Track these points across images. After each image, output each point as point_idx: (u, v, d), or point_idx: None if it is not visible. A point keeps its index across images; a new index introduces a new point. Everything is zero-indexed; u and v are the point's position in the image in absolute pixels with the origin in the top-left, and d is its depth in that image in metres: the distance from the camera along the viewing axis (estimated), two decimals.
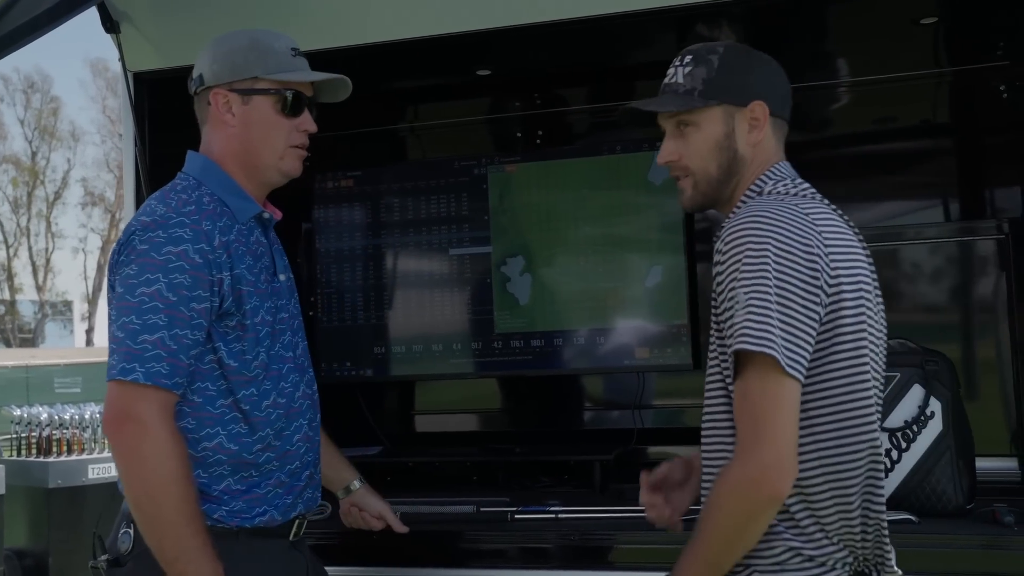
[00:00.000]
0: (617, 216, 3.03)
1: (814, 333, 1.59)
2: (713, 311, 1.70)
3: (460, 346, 3.14)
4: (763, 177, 1.75)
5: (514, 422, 3.38)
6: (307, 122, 2.01)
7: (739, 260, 1.59)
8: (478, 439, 3.35)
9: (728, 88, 1.74)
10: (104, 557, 1.94)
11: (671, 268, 2.97)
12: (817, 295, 1.59)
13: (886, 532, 1.66)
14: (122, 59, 2.66)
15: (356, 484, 2.36)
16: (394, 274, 3.23)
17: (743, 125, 1.74)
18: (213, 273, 1.85)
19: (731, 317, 1.59)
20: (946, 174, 3.08)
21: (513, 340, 3.09)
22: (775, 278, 1.57)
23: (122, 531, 1.91)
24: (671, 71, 1.80)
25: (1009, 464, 2.59)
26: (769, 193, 1.74)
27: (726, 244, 1.63)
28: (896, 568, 1.69)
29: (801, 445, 1.60)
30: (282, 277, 2.04)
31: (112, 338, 1.83)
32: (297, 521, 2.02)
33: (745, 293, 1.56)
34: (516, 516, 2.48)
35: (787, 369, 1.54)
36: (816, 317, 1.59)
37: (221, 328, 1.88)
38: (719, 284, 1.64)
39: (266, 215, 2.02)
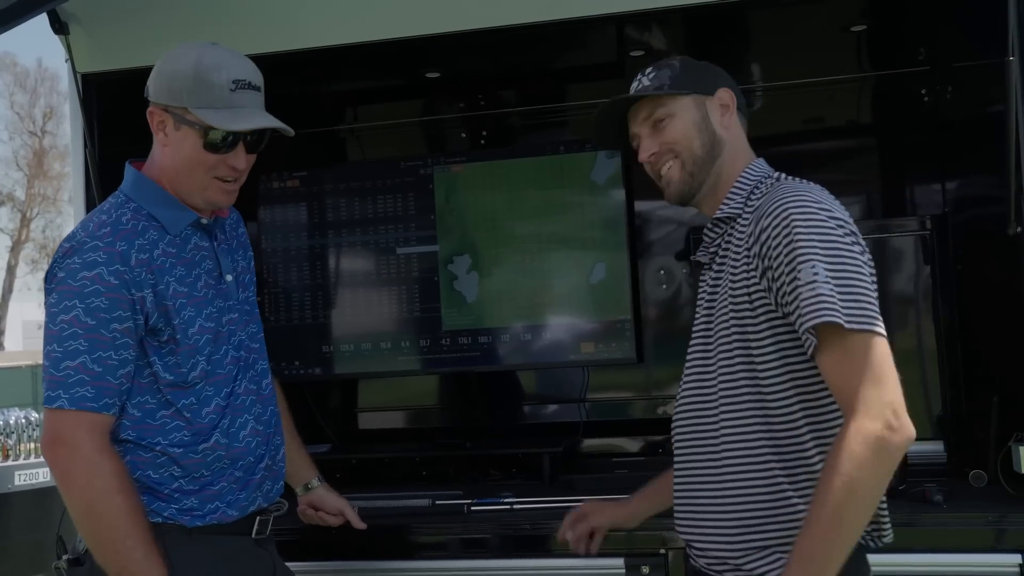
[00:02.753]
0: (561, 214, 3.11)
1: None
2: (741, 291, 1.74)
3: (408, 344, 3.19)
4: (747, 172, 1.87)
5: (463, 418, 3.44)
6: (236, 158, 1.95)
7: (802, 234, 1.65)
8: (427, 435, 3.40)
9: (693, 82, 1.90)
10: (66, 557, 1.97)
11: (614, 265, 3.06)
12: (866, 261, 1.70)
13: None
14: (71, 60, 2.65)
15: (315, 482, 2.40)
16: (341, 273, 3.26)
17: (715, 111, 1.89)
18: (132, 292, 1.86)
19: (796, 290, 1.63)
20: (870, 173, 3.24)
21: (461, 337, 3.15)
22: (846, 249, 1.65)
23: None
24: (634, 84, 1.94)
25: (936, 447, 2.74)
26: (760, 183, 1.84)
27: (777, 219, 1.68)
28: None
29: None
30: (228, 278, 2.04)
31: (42, 367, 1.86)
32: (259, 518, 2.04)
33: (825, 267, 1.62)
34: (472, 508, 2.55)
35: (880, 333, 1.62)
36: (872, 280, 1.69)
37: (154, 343, 1.91)
38: (769, 258, 1.68)
39: (204, 221, 2.01)
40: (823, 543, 1.58)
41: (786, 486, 1.70)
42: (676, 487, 1.88)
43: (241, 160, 1.97)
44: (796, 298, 1.63)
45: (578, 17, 2.57)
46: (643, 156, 1.93)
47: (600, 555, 2.33)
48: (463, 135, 3.39)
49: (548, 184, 3.12)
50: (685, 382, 1.88)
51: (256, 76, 1.96)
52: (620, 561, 2.33)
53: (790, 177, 1.84)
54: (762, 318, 1.72)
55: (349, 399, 3.53)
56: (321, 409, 3.35)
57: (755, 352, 1.73)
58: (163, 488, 1.91)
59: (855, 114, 3.27)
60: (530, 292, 3.12)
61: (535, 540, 2.43)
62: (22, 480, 6.15)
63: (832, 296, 1.60)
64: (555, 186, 3.11)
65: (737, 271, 1.77)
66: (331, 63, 2.86)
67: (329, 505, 2.39)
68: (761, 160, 1.91)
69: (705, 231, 1.89)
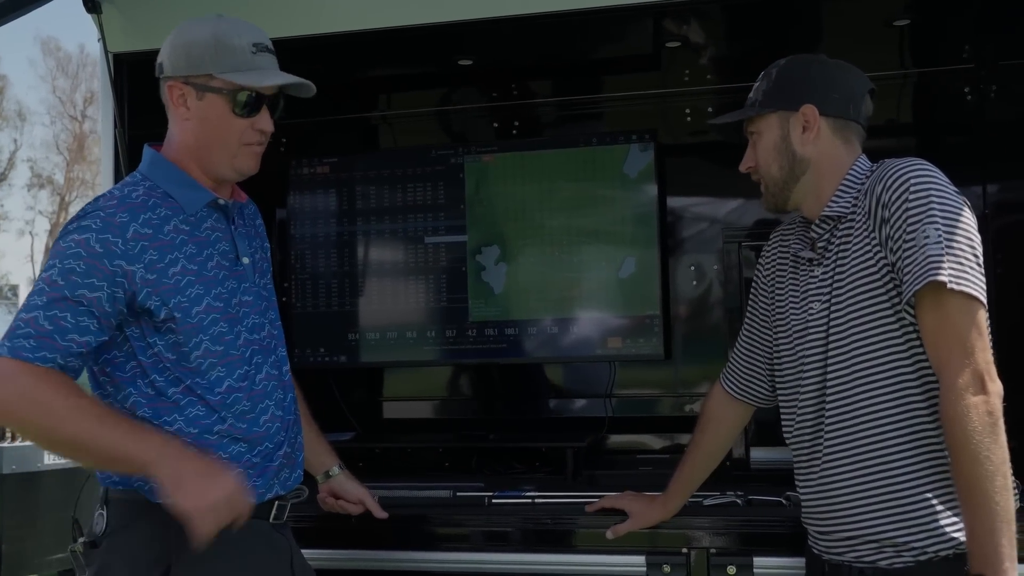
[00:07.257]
0: (591, 207, 3.07)
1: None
2: (871, 270, 1.80)
3: (434, 334, 3.17)
4: (853, 170, 1.90)
5: (487, 410, 3.41)
6: (263, 121, 1.96)
7: (918, 195, 1.73)
8: (450, 426, 3.38)
9: (780, 96, 1.92)
10: (82, 539, 1.95)
11: (644, 259, 3.02)
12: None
13: None
14: (103, 40, 2.64)
15: (336, 470, 2.38)
16: (369, 261, 3.24)
17: (797, 128, 1.92)
18: (115, 263, 1.83)
19: (908, 251, 1.71)
20: None
21: (487, 328, 3.12)
22: (962, 213, 1.74)
23: (97, 513, 1.93)
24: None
25: None
26: (868, 178, 1.87)
27: (894, 182, 1.76)
28: None
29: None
30: (245, 260, 2.02)
31: None
32: (277, 503, 2.02)
33: (936, 231, 1.70)
34: (493, 501, 2.52)
35: (983, 301, 1.73)
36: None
37: (152, 323, 1.87)
38: (889, 224, 1.75)
39: (221, 201, 1.99)
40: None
41: (921, 456, 1.77)
42: (816, 482, 1.89)
43: (268, 122, 1.98)
44: (907, 259, 1.71)
45: (615, 6, 2.52)
46: (742, 167, 2.00)
47: (621, 552, 2.30)
48: (495, 124, 3.36)
49: (579, 176, 3.08)
50: (806, 376, 1.89)
51: (269, 41, 1.98)
52: (641, 559, 2.29)
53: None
54: (892, 291, 1.77)
55: (374, 388, 3.52)
56: (346, 397, 3.33)
57: (886, 329, 1.78)
58: None
59: (895, 112, 3.19)
60: (558, 285, 3.08)
61: (556, 535, 2.40)
62: (51, 459, 6.20)
63: (941, 257, 1.68)
64: (586, 178, 3.08)
65: (863, 255, 1.81)
66: (363, 48, 2.84)
67: (350, 494, 2.38)
68: (863, 156, 1.93)
69: (813, 227, 1.93)
